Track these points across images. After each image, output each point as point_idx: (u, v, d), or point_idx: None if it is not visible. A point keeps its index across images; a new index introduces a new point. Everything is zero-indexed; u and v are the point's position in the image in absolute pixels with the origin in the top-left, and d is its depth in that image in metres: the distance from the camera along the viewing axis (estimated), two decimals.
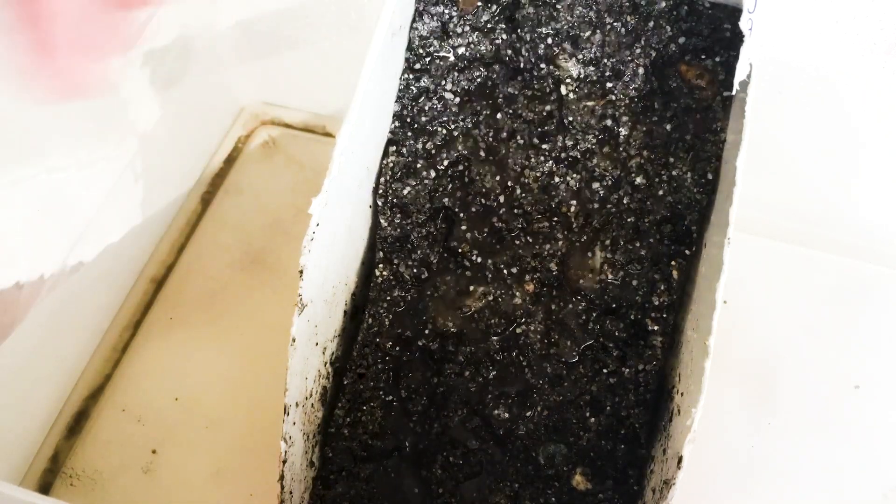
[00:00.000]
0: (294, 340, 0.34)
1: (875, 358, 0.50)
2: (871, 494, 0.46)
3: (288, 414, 0.34)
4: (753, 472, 0.46)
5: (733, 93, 0.36)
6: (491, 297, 0.40)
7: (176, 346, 0.51)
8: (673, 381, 0.37)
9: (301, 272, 0.34)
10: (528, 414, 0.39)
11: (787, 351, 0.50)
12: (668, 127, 0.39)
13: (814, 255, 0.54)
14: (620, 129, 0.40)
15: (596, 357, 0.39)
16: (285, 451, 0.34)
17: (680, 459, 0.32)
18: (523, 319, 0.40)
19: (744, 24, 0.35)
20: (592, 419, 0.39)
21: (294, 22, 0.55)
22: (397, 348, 0.40)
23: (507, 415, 0.39)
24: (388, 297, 0.41)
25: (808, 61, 0.46)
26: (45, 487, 0.46)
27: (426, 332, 0.40)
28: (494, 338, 0.40)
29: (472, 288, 0.40)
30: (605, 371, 0.39)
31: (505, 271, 0.40)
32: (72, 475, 0.46)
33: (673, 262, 0.39)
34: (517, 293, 0.40)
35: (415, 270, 0.40)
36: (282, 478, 0.34)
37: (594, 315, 0.39)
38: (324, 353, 0.38)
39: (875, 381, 0.49)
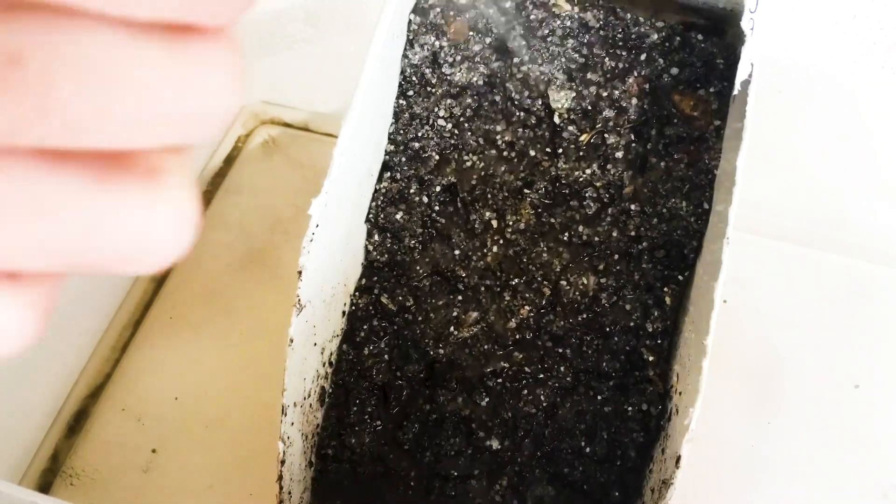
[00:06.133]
0: (292, 341, 0.34)
1: (875, 358, 0.50)
2: (872, 494, 0.46)
3: (286, 414, 0.34)
4: (753, 472, 0.46)
5: (734, 92, 0.36)
6: (484, 324, 0.40)
7: (176, 346, 0.51)
8: (671, 380, 0.37)
9: (300, 273, 0.34)
10: (521, 444, 0.38)
11: (787, 350, 0.50)
12: (662, 156, 0.39)
13: (814, 255, 0.54)
14: (613, 159, 0.39)
15: (590, 384, 0.39)
16: (283, 452, 0.34)
17: (678, 459, 0.32)
18: (518, 345, 0.39)
19: (745, 23, 0.35)
20: (588, 449, 0.38)
21: (294, 22, 0.55)
22: (381, 375, 0.39)
23: (499, 445, 0.38)
24: (365, 327, 0.40)
25: (808, 61, 0.46)
26: (44, 487, 0.46)
27: (417, 358, 0.40)
28: (487, 364, 0.39)
29: (465, 314, 0.40)
30: (599, 397, 0.38)
31: (498, 296, 0.40)
32: (71, 474, 0.46)
33: (666, 288, 0.39)
34: (511, 318, 0.40)
35: (400, 298, 0.40)
36: (280, 478, 0.34)
37: (587, 339, 0.39)
38: (322, 353, 0.38)
39: (875, 381, 0.49)
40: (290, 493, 0.35)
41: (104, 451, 0.47)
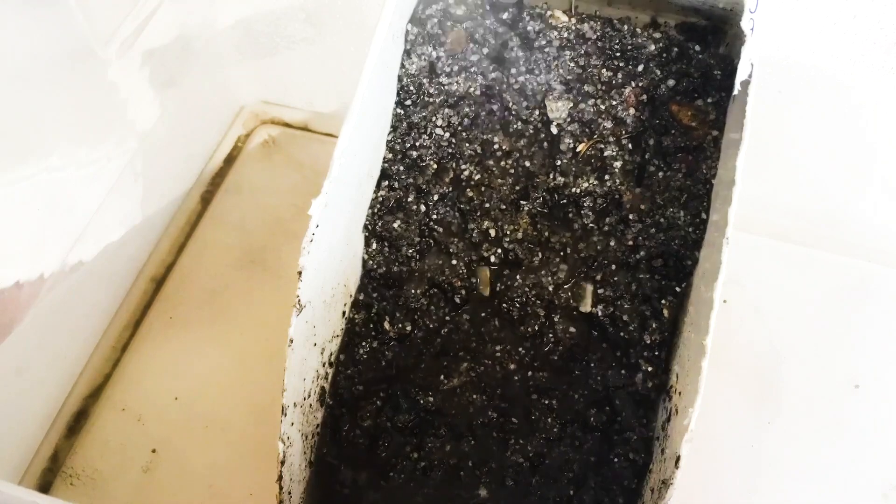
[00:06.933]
0: (292, 341, 0.34)
1: (875, 358, 0.50)
2: (871, 494, 0.46)
3: (286, 415, 0.34)
4: (753, 472, 0.46)
5: (734, 93, 0.36)
6: (474, 374, 0.39)
7: (176, 346, 0.51)
8: (671, 380, 0.37)
9: (300, 273, 0.34)
10: (509, 493, 0.38)
11: (788, 350, 0.50)
12: (660, 166, 0.39)
13: (814, 255, 0.54)
14: (611, 169, 0.39)
15: (574, 434, 0.38)
16: (283, 452, 0.34)
17: (678, 459, 0.32)
18: (505, 397, 0.39)
19: (745, 23, 0.35)
20: (576, 499, 0.38)
21: (294, 22, 0.55)
22: (371, 420, 0.39)
23: (486, 494, 0.38)
24: (364, 343, 0.40)
25: (808, 61, 0.46)
26: (44, 486, 0.46)
27: (407, 408, 0.39)
28: (477, 414, 0.39)
29: (455, 364, 0.40)
30: (584, 447, 0.38)
31: (495, 308, 0.40)
32: (71, 474, 0.46)
33: (663, 300, 0.38)
34: (498, 367, 0.39)
35: (399, 325, 0.40)
36: (280, 478, 0.34)
37: (572, 390, 0.39)
38: (322, 353, 0.38)
39: (875, 380, 0.49)
40: (290, 493, 0.35)
41: (104, 451, 0.47)
